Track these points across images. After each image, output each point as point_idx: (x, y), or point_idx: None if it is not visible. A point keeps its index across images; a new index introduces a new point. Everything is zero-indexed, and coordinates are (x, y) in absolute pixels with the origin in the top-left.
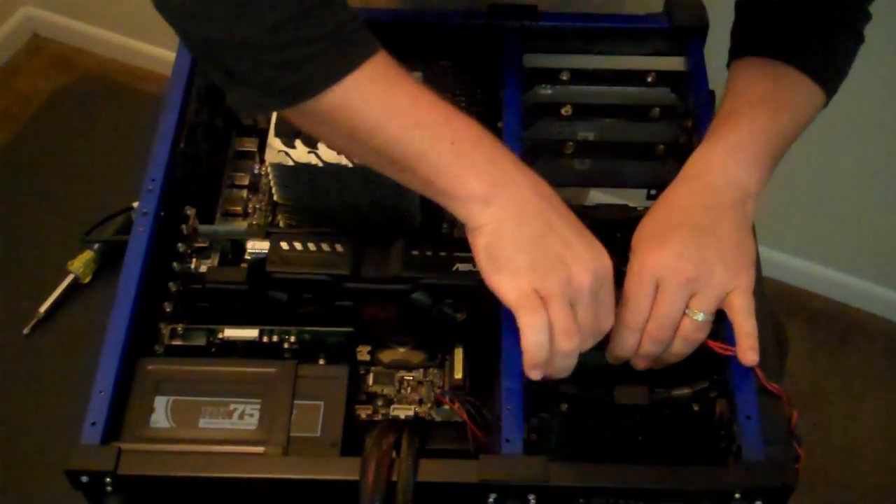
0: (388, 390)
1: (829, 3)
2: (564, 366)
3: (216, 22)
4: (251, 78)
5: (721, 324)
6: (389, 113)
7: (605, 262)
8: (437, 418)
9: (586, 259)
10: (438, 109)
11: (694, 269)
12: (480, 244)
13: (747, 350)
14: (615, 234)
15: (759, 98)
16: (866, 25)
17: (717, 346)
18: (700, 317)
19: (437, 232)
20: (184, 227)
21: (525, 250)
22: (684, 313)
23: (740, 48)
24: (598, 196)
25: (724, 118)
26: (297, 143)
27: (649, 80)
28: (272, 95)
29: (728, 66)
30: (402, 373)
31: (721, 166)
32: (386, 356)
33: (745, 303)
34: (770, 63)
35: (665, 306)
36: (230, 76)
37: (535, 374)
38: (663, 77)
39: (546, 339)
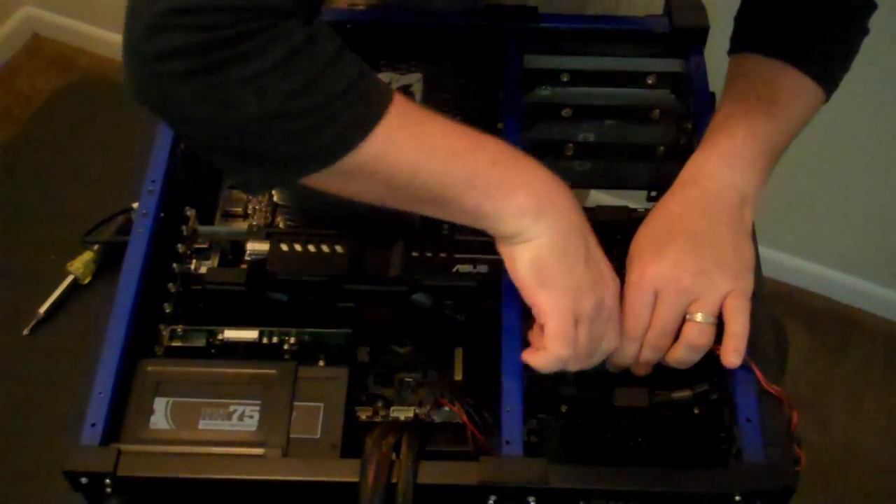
0: (388, 392)
1: None
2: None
3: (229, 102)
4: (273, 152)
5: (723, 327)
6: (427, 151)
7: (619, 283)
8: (437, 420)
9: (610, 282)
10: (469, 136)
11: (691, 277)
12: (527, 256)
13: (730, 351)
14: (615, 235)
15: (757, 100)
16: (871, 15)
17: (716, 348)
18: (699, 317)
19: (437, 233)
20: (184, 228)
21: (571, 271)
22: (686, 319)
23: (742, 41)
24: (598, 197)
25: (721, 121)
26: None
27: (649, 81)
28: (300, 164)
29: (729, 53)
30: (402, 374)
31: (717, 172)
32: (386, 357)
33: (738, 304)
34: (770, 62)
35: (664, 315)
36: (243, 159)
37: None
38: (663, 79)
39: (561, 367)
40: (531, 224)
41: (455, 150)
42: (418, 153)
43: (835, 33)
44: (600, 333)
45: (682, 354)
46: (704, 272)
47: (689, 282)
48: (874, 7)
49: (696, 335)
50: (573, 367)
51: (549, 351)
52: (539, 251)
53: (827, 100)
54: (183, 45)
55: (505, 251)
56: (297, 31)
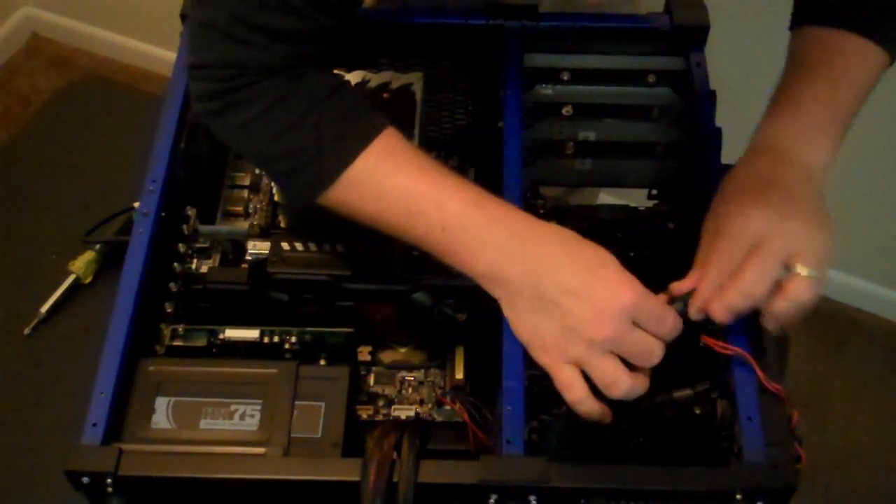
0: (390, 391)
1: None
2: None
3: (233, 141)
4: (276, 182)
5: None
6: (383, 206)
7: (622, 293)
8: (438, 419)
9: (601, 306)
10: (429, 196)
11: (792, 223)
12: (509, 321)
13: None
14: (616, 233)
15: (822, 70)
16: None
17: (717, 345)
18: (805, 271)
19: None
20: (184, 227)
21: (539, 329)
22: (794, 273)
23: (801, 16)
24: (601, 196)
25: (790, 91)
26: None
27: (650, 79)
28: (291, 195)
29: (790, 29)
30: (403, 373)
31: (794, 143)
32: (387, 356)
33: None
34: (828, 31)
35: (766, 261)
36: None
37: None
38: (664, 77)
39: (595, 405)
40: (491, 288)
41: (408, 209)
42: (376, 206)
43: None
44: (635, 348)
45: (785, 308)
46: (805, 220)
47: (792, 227)
48: None
49: (804, 289)
50: (615, 394)
51: (569, 402)
52: (509, 314)
53: (891, 63)
54: (202, 92)
55: None
56: (281, 86)
